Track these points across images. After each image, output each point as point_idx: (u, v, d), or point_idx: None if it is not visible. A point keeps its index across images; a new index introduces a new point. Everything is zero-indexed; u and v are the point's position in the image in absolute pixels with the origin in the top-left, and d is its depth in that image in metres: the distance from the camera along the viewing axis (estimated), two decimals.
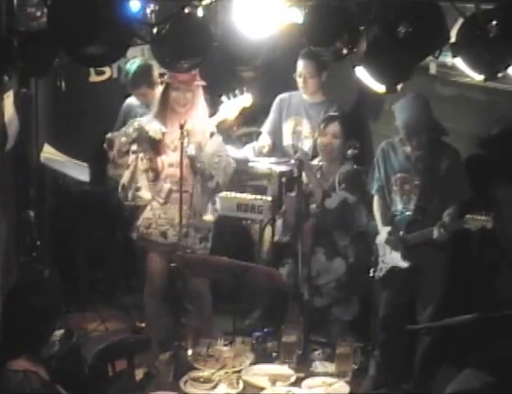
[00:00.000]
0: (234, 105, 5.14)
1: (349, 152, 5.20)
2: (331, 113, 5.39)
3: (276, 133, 5.88)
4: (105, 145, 5.16)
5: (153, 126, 5.05)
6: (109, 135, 5.17)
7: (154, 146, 5.06)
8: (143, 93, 5.74)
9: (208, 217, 5.19)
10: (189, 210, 5.04)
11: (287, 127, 5.82)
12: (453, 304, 4.85)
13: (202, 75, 5.01)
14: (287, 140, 5.82)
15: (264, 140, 5.87)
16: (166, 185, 5.07)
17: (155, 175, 5.08)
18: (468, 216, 4.62)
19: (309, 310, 4.82)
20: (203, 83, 5.05)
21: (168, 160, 5.07)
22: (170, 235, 5.08)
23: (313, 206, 5.15)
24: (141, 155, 5.09)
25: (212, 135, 5.08)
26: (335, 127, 5.12)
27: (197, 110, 5.06)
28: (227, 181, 5.18)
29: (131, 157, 5.13)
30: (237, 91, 5.16)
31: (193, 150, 4.96)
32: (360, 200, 5.14)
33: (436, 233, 4.71)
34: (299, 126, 5.76)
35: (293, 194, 5.04)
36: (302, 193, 4.95)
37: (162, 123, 5.06)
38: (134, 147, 5.11)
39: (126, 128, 5.13)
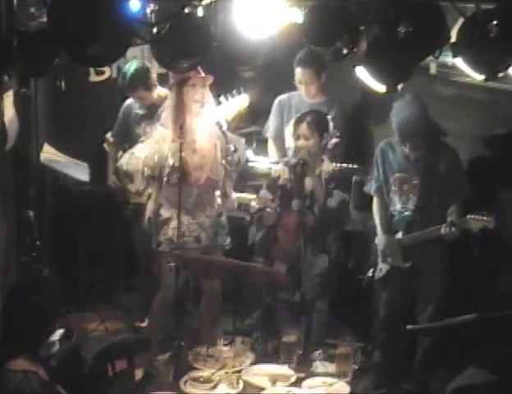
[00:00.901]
0: (231, 106, 5.14)
1: (333, 141, 5.15)
2: (302, 113, 5.24)
3: (280, 136, 5.85)
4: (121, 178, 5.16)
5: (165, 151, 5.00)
6: (125, 167, 5.09)
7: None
8: (140, 96, 5.72)
9: (235, 203, 5.28)
10: (214, 210, 5.07)
11: (290, 129, 5.79)
12: (453, 305, 4.85)
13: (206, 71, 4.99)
14: (290, 142, 5.79)
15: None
16: (194, 190, 5.03)
17: (179, 179, 4.99)
18: (469, 216, 4.61)
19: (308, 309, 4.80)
20: (212, 77, 5.02)
21: (192, 164, 4.99)
22: (203, 238, 5.07)
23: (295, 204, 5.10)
24: (166, 175, 5.04)
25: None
26: (303, 129, 5.01)
27: (211, 105, 5.05)
28: (244, 162, 5.20)
29: (152, 186, 5.11)
30: (234, 92, 5.16)
31: (219, 117, 4.97)
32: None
33: (444, 231, 4.69)
34: None
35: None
36: (303, 193, 4.94)
37: (180, 126, 4.96)
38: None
39: (146, 162, 5.05)
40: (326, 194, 5.04)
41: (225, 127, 5.02)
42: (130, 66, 5.71)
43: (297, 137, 5.06)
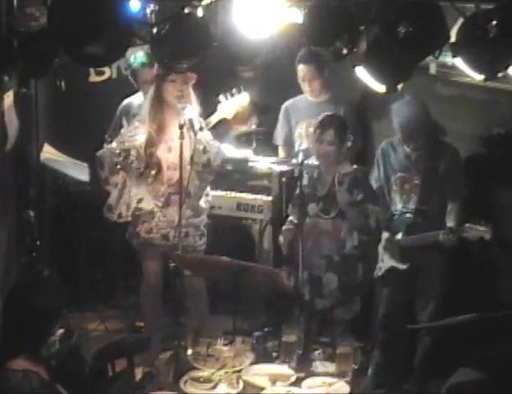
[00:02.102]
0: (231, 104, 5.13)
1: (348, 145, 5.12)
2: (326, 116, 5.13)
3: (289, 142, 5.82)
4: (97, 165, 5.19)
5: (137, 143, 5.04)
6: (98, 154, 5.17)
7: (144, 159, 5.06)
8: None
9: (202, 205, 5.19)
10: (188, 210, 5.05)
11: (299, 132, 5.77)
12: (453, 304, 4.86)
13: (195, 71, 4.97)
14: (299, 145, 5.76)
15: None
16: (166, 189, 5.07)
17: (154, 176, 5.07)
18: (467, 225, 4.62)
19: (311, 312, 4.79)
20: (195, 76, 5.02)
21: (167, 163, 5.05)
22: (171, 237, 5.08)
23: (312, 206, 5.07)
24: (134, 165, 5.07)
25: (201, 129, 5.04)
26: (330, 135, 4.95)
27: (192, 104, 5.03)
28: (218, 165, 5.12)
29: (120, 174, 5.15)
30: (234, 90, 5.15)
31: (191, 114, 4.90)
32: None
33: (442, 238, 4.69)
34: (312, 127, 5.70)
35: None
36: (303, 194, 4.93)
37: (159, 122, 5.00)
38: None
39: (113, 147, 5.11)
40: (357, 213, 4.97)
41: (197, 126, 4.96)
42: (137, 53, 5.57)
43: (321, 141, 4.97)
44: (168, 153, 5.05)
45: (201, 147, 5.00)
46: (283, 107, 5.87)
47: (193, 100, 5.06)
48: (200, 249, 5.21)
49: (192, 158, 4.96)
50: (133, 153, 5.06)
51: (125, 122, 5.53)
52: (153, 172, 5.06)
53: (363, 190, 4.96)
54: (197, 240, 5.17)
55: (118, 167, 5.10)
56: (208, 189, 5.31)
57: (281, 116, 5.89)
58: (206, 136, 5.07)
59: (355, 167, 5.10)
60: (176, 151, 4.95)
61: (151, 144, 5.05)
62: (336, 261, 4.96)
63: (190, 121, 4.90)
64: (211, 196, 5.37)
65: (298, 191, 4.91)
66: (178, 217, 4.93)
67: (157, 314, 5.35)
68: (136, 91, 5.82)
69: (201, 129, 5.02)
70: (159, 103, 5.04)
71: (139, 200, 5.12)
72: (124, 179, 5.16)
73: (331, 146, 4.97)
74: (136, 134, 5.10)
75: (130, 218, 5.18)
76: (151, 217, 5.10)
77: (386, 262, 5.00)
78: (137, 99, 5.83)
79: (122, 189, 5.15)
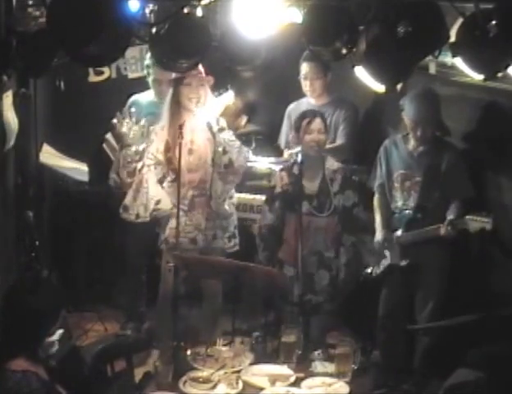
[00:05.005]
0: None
1: (337, 143, 5.12)
2: (310, 109, 5.22)
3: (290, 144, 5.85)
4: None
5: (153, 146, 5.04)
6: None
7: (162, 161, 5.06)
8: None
9: (226, 207, 5.16)
10: (213, 212, 5.05)
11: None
12: (452, 302, 4.86)
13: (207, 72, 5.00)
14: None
15: None
16: (189, 192, 5.04)
17: (174, 179, 5.01)
18: (467, 217, 4.62)
19: (304, 307, 4.78)
20: (212, 79, 5.03)
21: (186, 165, 5.00)
22: (199, 240, 5.08)
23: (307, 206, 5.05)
24: (152, 167, 5.07)
25: (221, 129, 5.05)
26: (318, 123, 4.94)
27: (209, 106, 5.03)
28: (241, 165, 5.07)
29: (136, 175, 5.14)
30: (221, 90, 5.15)
31: (208, 117, 4.90)
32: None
33: (443, 231, 4.70)
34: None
35: None
36: (302, 193, 4.92)
37: (177, 126, 4.95)
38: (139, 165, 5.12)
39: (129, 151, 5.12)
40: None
41: (216, 128, 4.98)
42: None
43: (310, 132, 4.92)
44: (189, 156, 5.02)
45: (220, 148, 4.99)
46: (287, 110, 5.88)
47: (209, 102, 5.04)
48: (231, 252, 5.17)
49: (213, 159, 4.96)
50: (150, 156, 5.05)
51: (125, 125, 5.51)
52: (173, 176, 5.01)
53: (356, 193, 4.96)
54: (226, 242, 5.15)
55: (134, 169, 5.12)
56: (233, 191, 5.27)
57: (284, 120, 5.91)
58: (226, 136, 5.04)
59: (342, 165, 5.09)
60: (197, 153, 4.98)
61: (169, 148, 5.02)
62: (327, 258, 4.96)
63: (208, 123, 4.92)
64: (235, 199, 5.32)
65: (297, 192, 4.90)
66: (204, 219, 4.97)
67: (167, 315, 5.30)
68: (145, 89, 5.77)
69: (221, 129, 5.03)
70: (177, 107, 5.02)
71: (157, 202, 5.09)
72: (139, 180, 5.14)
73: (323, 134, 4.96)
74: (153, 139, 5.08)
75: (148, 219, 5.15)
76: (172, 219, 5.02)
77: (385, 259, 5.01)
78: (145, 97, 5.77)
79: (138, 189, 5.14)
